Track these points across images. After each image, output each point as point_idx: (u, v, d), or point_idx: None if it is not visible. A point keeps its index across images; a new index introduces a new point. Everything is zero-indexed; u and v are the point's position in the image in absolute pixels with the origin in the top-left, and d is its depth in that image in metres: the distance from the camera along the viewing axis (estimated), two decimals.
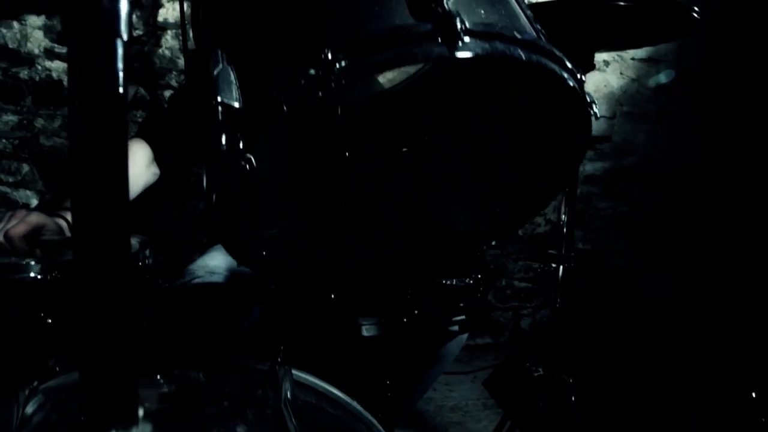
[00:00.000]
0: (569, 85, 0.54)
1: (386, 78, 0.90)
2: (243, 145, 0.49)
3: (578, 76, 0.58)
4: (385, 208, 0.84)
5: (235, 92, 0.51)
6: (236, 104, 0.50)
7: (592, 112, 0.58)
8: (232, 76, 0.52)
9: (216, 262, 1.45)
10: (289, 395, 0.63)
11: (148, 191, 1.44)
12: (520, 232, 2.57)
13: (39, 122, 2.16)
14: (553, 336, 1.23)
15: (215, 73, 0.52)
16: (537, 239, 2.58)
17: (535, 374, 1.22)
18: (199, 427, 0.52)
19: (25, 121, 2.15)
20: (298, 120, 0.74)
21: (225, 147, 0.49)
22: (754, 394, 1.13)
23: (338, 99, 0.72)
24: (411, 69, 0.85)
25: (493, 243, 0.76)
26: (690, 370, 2.29)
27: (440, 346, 1.33)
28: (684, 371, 2.32)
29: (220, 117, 0.49)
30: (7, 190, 2.20)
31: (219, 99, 0.49)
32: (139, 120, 2.25)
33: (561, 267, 1.14)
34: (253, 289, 1.36)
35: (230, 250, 0.66)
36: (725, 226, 2.74)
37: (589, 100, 0.58)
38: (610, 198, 2.70)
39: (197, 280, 1.37)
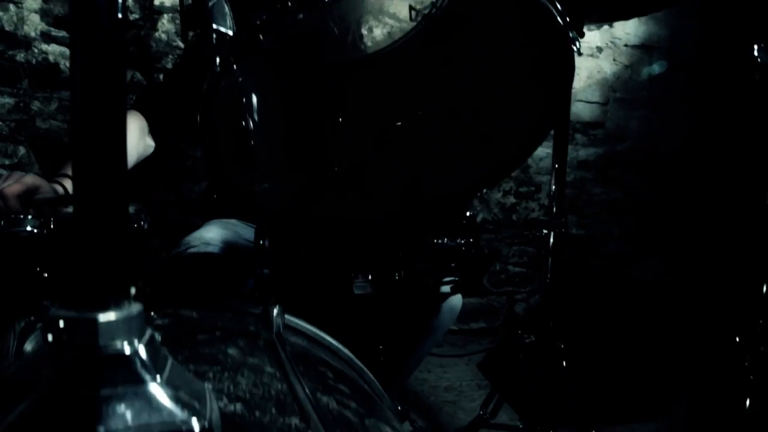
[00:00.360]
0: (554, 16, 0.55)
1: (373, 42, 0.92)
2: (235, 68, 0.50)
3: (566, 17, 0.60)
4: (378, 163, 0.86)
5: (228, 21, 0.53)
6: (230, 32, 0.52)
7: (575, 48, 0.60)
8: (227, 8, 0.54)
9: (212, 235, 1.46)
10: (281, 329, 0.64)
11: (144, 170, 1.45)
12: (514, 217, 2.59)
13: (35, 105, 2.17)
14: (544, 304, 1.25)
15: (210, 4, 0.54)
16: (531, 224, 2.60)
17: (527, 341, 1.24)
18: (191, 350, 0.53)
19: (21, 104, 2.16)
20: (288, 64, 0.75)
21: (218, 68, 0.50)
22: (738, 339, 1.15)
23: (319, 28, 0.73)
24: (397, 33, 0.87)
25: (485, 191, 0.78)
26: (681, 348, 2.32)
27: (434, 313, 1.35)
28: (676, 348, 2.34)
29: (214, 41, 0.51)
30: (3, 172, 2.20)
31: (214, 26, 0.51)
32: None
33: (552, 233, 1.16)
34: (249, 261, 1.37)
35: (225, 189, 0.67)
36: (717, 212, 2.77)
37: (572, 36, 0.60)
38: (603, 184, 2.72)
39: (192, 250, 1.38)
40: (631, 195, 2.76)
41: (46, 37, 2.14)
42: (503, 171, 0.76)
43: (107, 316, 0.34)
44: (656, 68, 2.77)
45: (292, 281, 1.04)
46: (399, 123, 1.00)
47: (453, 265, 1.05)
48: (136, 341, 0.35)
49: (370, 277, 0.97)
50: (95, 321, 0.33)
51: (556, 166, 1.12)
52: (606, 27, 2.63)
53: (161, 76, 2.25)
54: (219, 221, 1.55)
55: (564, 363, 1.23)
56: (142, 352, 0.35)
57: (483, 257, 1.04)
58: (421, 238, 0.99)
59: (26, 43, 2.12)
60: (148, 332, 0.37)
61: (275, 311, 0.65)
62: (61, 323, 0.35)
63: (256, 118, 0.86)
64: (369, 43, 0.92)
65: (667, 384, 2.22)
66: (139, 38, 2.25)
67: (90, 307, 0.34)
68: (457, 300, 1.50)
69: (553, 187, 1.20)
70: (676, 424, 1.93)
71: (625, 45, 2.66)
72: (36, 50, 2.14)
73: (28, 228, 0.89)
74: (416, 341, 1.43)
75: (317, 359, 0.68)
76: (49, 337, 0.35)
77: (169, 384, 0.35)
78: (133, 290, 0.36)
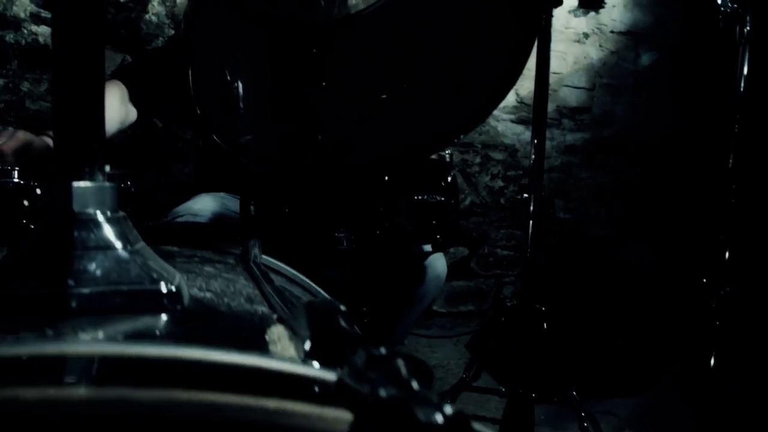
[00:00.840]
0: None
1: (352, 3, 0.94)
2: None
3: None
4: (359, 114, 0.88)
5: None
6: None
7: None
8: None
9: (200, 206, 1.48)
10: (258, 259, 0.66)
11: (135, 151, 1.47)
12: (502, 201, 2.61)
13: (25, 86, 2.18)
14: (526, 268, 1.28)
15: None
16: (519, 207, 2.62)
17: (509, 304, 1.26)
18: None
19: (10, 85, 2.16)
20: (271, 19, 0.77)
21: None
22: (705, 280, 1.18)
23: None
24: None
25: (462, 137, 0.80)
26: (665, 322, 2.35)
27: (419, 279, 1.37)
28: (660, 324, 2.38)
29: None
30: None
31: None
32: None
33: (532, 196, 1.18)
34: (236, 230, 1.39)
35: (207, 137, 0.69)
36: (701, 198, 2.80)
37: None
38: (590, 168, 2.75)
39: (180, 220, 1.40)
40: (618, 180, 2.79)
41: (36, 18, 2.15)
42: (478, 118, 0.79)
43: (81, 184, 0.36)
44: (646, 59, 2.81)
45: (276, 238, 1.06)
46: (384, 96, 1.03)
47: (434, 222, 1.07)
48: (108, 212, 0.37)
49: (352, 232, 0.99)
50: (69, 187, 0.35)
51: (536, 143, 1.14)
52: (592, 14, 2.66)
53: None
54: (207, 194, 1.57)
55: (544, 325, 1.25)
56: (114, 221, 0.37)
57: (470, 238, 1.06)
58: (401, 194, 1.02)
59: (16, 24, 2.13)
60: (122, 213, 0.39)
61: (254, 245, 0.67)
62: (38, 190, 0.37)
63: (239, 68, 0.88)
64: (352, 1, 0.95)
65: (651, 362, 2.25)
66: (130, 20, 2.27)
67: (66, 176, 0.36)
68: (441, 268, 1.52)
69: (533, 152, 1.23)
70: (657, 399, 1.97)
71: (611, 31, 2.69)
72: (26, 31, 2.15)
73: (15, 180, 0.90)
74: (402, 305, 1.45)
75: (292, 294, 0.70)
76: (25, 203, 0.36)
77: (139, 254, 0.37)
78: (107, 168, 0.38)
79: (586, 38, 2.67)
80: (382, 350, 0.21)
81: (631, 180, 2.80)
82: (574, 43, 2.64)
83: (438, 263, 1.50)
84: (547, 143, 2.67)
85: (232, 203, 1.55)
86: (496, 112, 2.58)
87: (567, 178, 2.72)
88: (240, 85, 0.91)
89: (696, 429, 1.73)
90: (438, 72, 0.86)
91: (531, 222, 1.20)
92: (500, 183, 2.59)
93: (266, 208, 1.10)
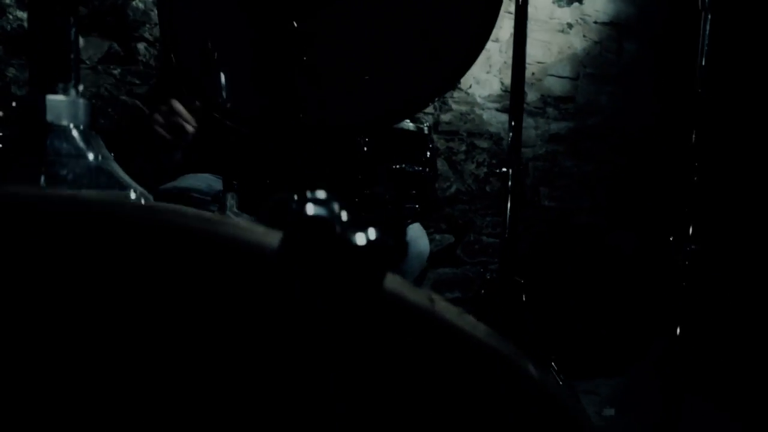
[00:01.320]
0: None
1: None
2: None
3: None
4: (338, 76, 0.90)
5: None
6: None
7: None
8: None
9: (185, 184, 1.50)
10: (235, 209, 0.68)
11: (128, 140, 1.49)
12: (487, 188, 2.65)
13: (10, 72, 2.18)
14: (507, 242, 1.30)
15: None
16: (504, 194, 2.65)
17: (488, 276, 1.29)
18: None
19: None
20: None
21: None
22: (671, 238, 1.22)
23: None
24: None
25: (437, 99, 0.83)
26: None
27: (401, 257, 1.39)
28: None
29: None
30: None
31: None
32: (115, 72, 2.28)
33: (510, 171, 1.21)
34: (220, 204, 1.41)
35: (186, 87, 0.71)
36: (684, 187, 2.85)
37: None
38: (574, 157, 2.79)
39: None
40: (602, 168, 2.83)
41: (21, 4, 2.15)
42: (451, 80, 0.82)
43: (55, 97, 0.38)
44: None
45: (255, 207, 1.09)
46: (367, 77, 1.05)
47: (413, 191, 1.10)
48: (81, 126, 0.39)
49: None
50: (44, 99, 0.38)
51: (514, 114, 1.17)
52: (576, 4, 2.70)
53: (139, 47, 2.27)
54: (192, 175, 1.59)
55: (523, 298, 1.28)
56: (86, 134, 0.39)
57: (456, 225, 1.09)
58: (380, 163, 1.04)
59: (1, 9, 2.13)
60: (98, 137, 0.41)
61: (232, 197, 0.70)
62: (14, 102, 0.39)
63: (221, 38, 0.90)
64: None
65: (633, 343, 2.29)
66: (117, 7, 2.27)
67: (41, 90, 0.38)
68: (424, 246, 1.55)
69: (511, 123, 1.25)
70: (638, 379, 2.01)
71: (595, 22, 2.73)
72: (11, 16, 2.15)
73: None
74: None
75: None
76: (0, 113, 0.38)
77: (109, 166, 0.39)
78: (81, 87, 0.40)
79: (570, 28, 2.71)
80: (323, 193, 0.23)
81: (614, 168, 2.84)
82: (558, 33, 2.67)
83: (421, 241, 1.53)
84: (532, 132, 2.71)
85: (216, 183, 1.57)
86: (481, 101, 2.61)
87: (552, 166, 2.75)
88: (221, 51, 0.93)
89: (674, 407, 1.77)
90: (412, 39, 0.88)
91: (510, 196, 1.22)
92: (485, 171, 2.63)
93: (248, 182, 1.12)
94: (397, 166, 1.05)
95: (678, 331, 1.18)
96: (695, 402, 1.91)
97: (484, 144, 2.63)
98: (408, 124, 1.13)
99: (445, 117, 2.57)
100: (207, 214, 0.24)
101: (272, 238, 0.22)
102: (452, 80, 0.82)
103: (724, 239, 2.28)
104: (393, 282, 0.23)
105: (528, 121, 2.69)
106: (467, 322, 0.27)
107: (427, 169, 1.11)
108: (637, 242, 2.86)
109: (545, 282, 2.66)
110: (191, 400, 0.24)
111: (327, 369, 0.21)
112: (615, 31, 2.76)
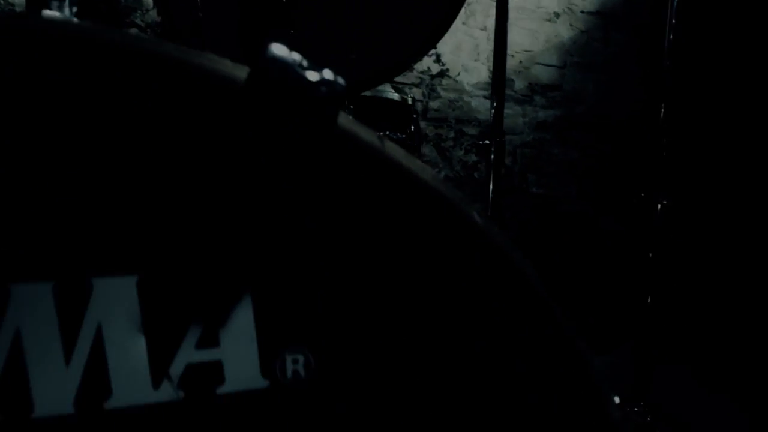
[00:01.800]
0: None
1: None
2: None
3: None
4: (318, 38, 0.93)
5: None
6: None
7: None
8: None
9: None
10: None
11: None
12: (475, 175, 2.68)
13: None
14: (489, 216, 1.33)
15: None
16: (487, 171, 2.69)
17: None
18: None
19: None
20: None
21: None
22: (643, 194, 1.25)
23: None
24: None
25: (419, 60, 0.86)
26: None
27: None
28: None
29: None
30: None
31: None
32: None
33: (492, 143, 1.25)
34: None
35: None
36: (670, 176, 2.90)
37: None
38: (561, 144, 2.83)
39: None
40: (589, 156, 2.88)
41: None
42: (430, 41, 0.85)
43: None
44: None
45: None
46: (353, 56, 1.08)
47: None
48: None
49: None
50: None
51: (496, 87, 1.20)
52: None
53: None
54: None
55: None
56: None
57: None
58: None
59: None
60: None
61: None
62: None
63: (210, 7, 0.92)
64: None
65: (620, 331, 2.33)
66: None
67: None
68: None
69: (493, 94, 1.28)
70: (626, 357, 2.04)
71: (582, 11, 2.78)
72: (2, 2, 2.16)
73: None
74: None
75: None
76: None
77: None
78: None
79: (557, 17, 2.75)
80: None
81: (601, 156, 2.88)
82: (545, 21, 2.71)
83: None
84: (520, 119, 2.75)
85: None
86: (469, 89, 2.65)
87: (539, 153, 2.79)
88: (209, 19, 0.95)
89: (662, 381, 1.82)
90: (391, 7, 0.91)
91: (492, 168, 1.26)
92: (473, 157, 2.66)
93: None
94: (381, 134, 1.08)
95: (649, 299, 1.21)
96: (670, 370, 1.96)
97: (472, 131, 2.67)
98: (393, 94, 1.17)
99: (433, 104, 2.60)
100: (185, 48, 0.26)
101: (241, 71, 0.25)
102: (432, 41, 0.85)
103: (696, 195, 2.34)
104: (346, 120, 0.26)
105: (516, 109, 2.74)
106: (415, 163, 0.30)
107: (411, 139, 1.14)
108: (623, 228, 2.91)
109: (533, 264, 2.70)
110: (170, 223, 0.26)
111: (285, 191, 0.24)
112: (601, 21, 2.81)
